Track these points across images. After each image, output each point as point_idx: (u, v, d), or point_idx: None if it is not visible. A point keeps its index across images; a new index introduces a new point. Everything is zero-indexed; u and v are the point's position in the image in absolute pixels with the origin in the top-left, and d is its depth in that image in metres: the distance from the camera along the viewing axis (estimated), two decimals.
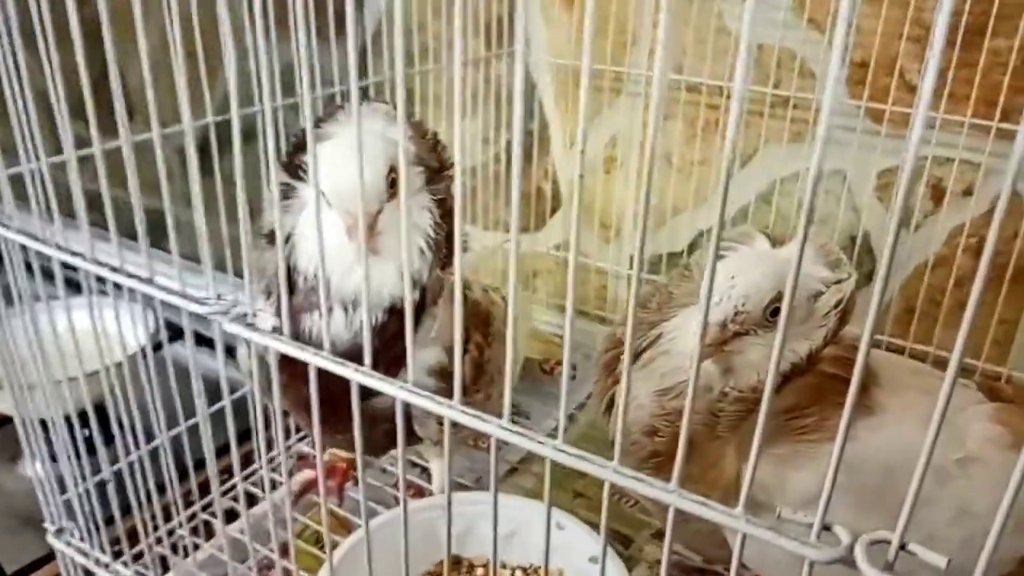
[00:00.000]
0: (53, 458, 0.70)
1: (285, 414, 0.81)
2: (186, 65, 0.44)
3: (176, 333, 0.66)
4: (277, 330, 0.45)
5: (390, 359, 0.47)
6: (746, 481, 0.36)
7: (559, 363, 1.08)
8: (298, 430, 0.93)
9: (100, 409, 0.65)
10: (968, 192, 0.87)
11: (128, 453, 0.65)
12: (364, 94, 0.88)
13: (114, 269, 0.50)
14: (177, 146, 0.49)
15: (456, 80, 0.34)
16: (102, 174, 0.50)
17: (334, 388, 0.46)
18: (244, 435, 0.67)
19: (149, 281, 0.47)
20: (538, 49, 1.08)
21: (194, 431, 0.69)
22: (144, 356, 0.62)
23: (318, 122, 0.63)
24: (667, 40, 0.28)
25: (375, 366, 0.42)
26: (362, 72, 0.91)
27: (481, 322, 0.71)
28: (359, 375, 0.41)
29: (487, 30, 1.03)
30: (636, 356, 0.61)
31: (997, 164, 0.84)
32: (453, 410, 0.39)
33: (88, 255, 0.52)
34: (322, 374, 0.44)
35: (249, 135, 0.44)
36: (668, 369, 0.58)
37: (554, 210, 1.17)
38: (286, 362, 0.49)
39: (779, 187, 0.98)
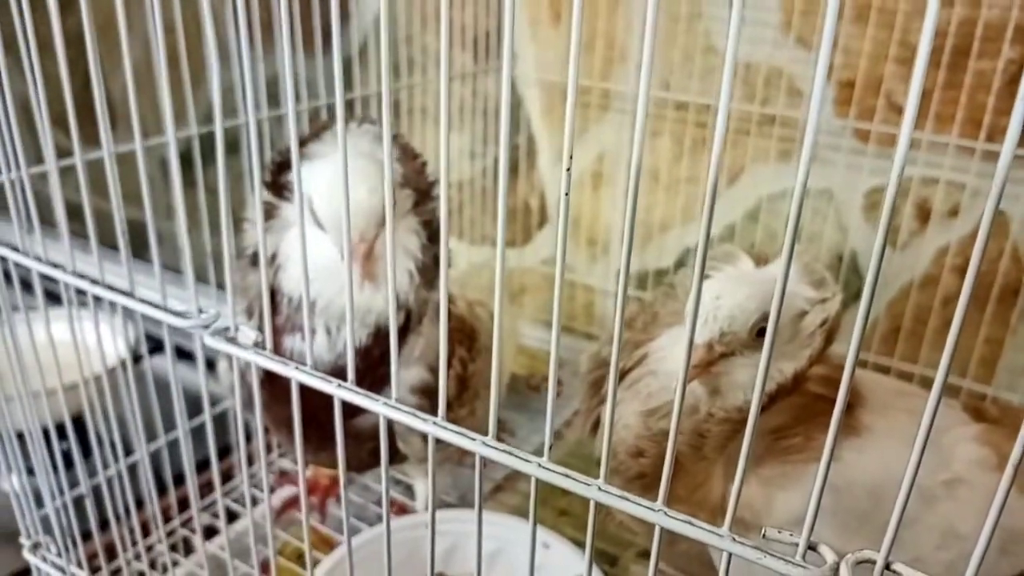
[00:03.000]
0: (30, 471, 0.69)
1: (266, 430, 0.80)
2: (169, 75, 0.43)
3: (157, 345, 0.65)
4: (259, 345, 0.44)
5: (373, 381, 0.47)
6: (732, 500, 0.36)
7: (546, 379, 1.07)
8: (280, 445, 0.92)
9: (79, 422, 0.64)
10: (954, 212, 0.88)
11: (106, 467, 0.64)
12: (349, 108, 0.87)
13: (94, 281, 0.49)
14: (160, 157, 0.48)
15: (443, 98, 0.34)
16: (84, 185, 0.50)
17: (316, 406, 0.45)
18: (225, 450, 0.67)
19: (129, 294, 0.46)
20: (525, 64, 1.08)
21: (174, 445, 0.68)
22: (124, 369, 0.61)
23: (304, 141, 0.62)
24: (650, 60, 0.28)
25: (358, 386, 0.41)
26: (347, 85, 0.91)
27: (466, 337, 0.70)
28: (342, 391, 0.40)
29: (475, 44, 1.03)
30: (621, 376, 0.60)
31: (982, 185, 0.85)
32: (437, 426, 0.38)
33: (68, 267, 0.52)
34: (304, 393, 0.44)
35: (233, 147, 0.44)
36: (654, 389, 0.58)
37: (541, 224, 1.17)
38: (267, 380, 0.48)
39: (766, 205, 0.98)
